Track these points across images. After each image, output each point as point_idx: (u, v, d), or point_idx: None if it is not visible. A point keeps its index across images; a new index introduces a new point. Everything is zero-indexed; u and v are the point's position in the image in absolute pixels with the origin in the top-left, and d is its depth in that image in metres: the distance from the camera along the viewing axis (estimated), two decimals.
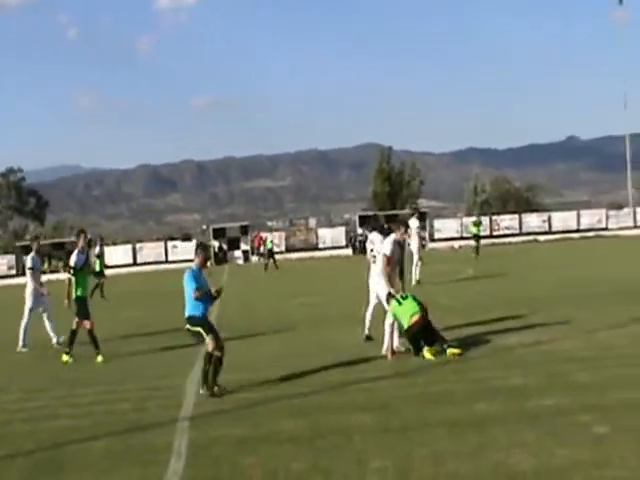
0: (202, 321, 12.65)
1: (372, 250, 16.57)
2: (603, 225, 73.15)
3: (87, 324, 16.90)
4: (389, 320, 14.81)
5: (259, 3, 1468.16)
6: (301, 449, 9.08)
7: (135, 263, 70.75)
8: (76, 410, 12.29)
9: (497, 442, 8.68)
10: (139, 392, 13.26)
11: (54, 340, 19.43)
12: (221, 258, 69.85)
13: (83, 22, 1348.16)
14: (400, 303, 14.53)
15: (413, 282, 28.46)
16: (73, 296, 17.00)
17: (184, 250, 69.63)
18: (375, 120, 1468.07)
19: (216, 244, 70.53)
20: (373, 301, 16.29)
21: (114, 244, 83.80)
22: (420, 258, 30.23)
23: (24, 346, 19.37)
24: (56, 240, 77.25)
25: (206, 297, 12.69)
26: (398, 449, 8.75)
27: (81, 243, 17.46)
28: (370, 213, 74.85)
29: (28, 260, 20.33)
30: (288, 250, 70.38)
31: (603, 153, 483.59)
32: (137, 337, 20.63)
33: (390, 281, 15.05)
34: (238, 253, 71.69)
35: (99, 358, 16.72)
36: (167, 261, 70.92)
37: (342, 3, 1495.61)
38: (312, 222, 76.71)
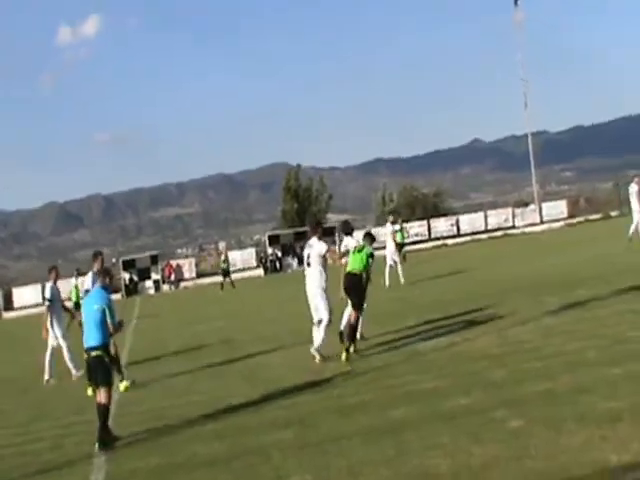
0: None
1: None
2: (510, 223, 74.06)
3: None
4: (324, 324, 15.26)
5: (148, 34, 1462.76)
6: (218, 472, 8.98)
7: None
8: None
9: (413, 446, 8.69)
10: (53, 430, 13.00)
11: (73, 372, 18.47)
12: (132, 289, 68.96)
13: None
14: (353, 252, 15.99)
15: (387, 283, 30.14)
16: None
17: None
18: (279, 139, 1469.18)
19: (127, 276, 69.59)
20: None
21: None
22: (401, 261, 32.08)
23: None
24: None
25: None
26: (316, 462, 8.71)
27: (97, 266, 16.32)
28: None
29: (47, 291, 19.02)
30: (199, 276, 69.93)
31: (506, 153, 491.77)
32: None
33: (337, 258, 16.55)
34: (149, 283, 70.77)
35: (122, 386, 15.91)
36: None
37: (238, 27, 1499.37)
38: (222, 246, 76.23)
